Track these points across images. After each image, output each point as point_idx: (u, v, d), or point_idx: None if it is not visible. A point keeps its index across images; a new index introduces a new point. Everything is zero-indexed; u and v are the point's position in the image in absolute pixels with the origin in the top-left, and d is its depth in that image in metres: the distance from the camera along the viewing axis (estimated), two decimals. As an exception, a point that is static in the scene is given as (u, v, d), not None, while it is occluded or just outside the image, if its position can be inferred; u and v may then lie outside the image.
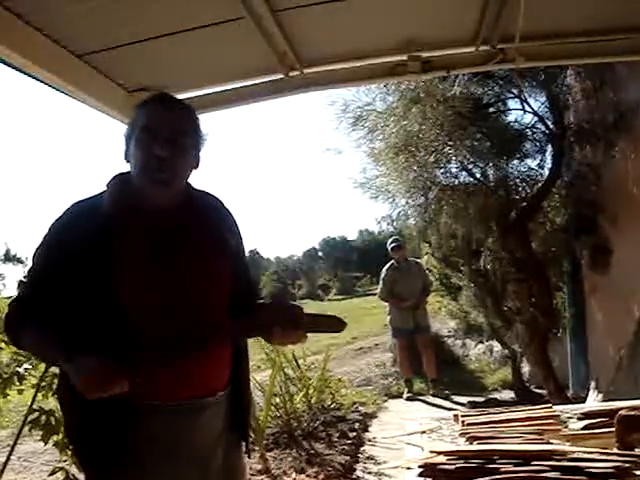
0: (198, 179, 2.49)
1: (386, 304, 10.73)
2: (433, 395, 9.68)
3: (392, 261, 10.54)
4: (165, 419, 2.23)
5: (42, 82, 3.24)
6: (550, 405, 3.00)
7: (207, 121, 3.66)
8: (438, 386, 9.86)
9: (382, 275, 10.55)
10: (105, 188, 2.37)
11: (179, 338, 2.19)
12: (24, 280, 2.33)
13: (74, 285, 2.18)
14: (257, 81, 3.91)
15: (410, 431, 2.96)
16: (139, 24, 3.15)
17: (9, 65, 2.98)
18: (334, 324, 2.46)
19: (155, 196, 2.33)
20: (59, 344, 2.14)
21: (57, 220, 2.32)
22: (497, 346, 10.83)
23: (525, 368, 9.66)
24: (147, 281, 2.23)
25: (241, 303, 2.45)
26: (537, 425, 2.62)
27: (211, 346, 2.30)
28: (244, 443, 2.63)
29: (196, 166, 2.43)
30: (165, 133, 2.26)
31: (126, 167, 2.38)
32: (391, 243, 10.55)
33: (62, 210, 2.34)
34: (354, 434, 7.35)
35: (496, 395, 9.43)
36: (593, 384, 7.52)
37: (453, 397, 9.44)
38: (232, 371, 2.46)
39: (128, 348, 2.13)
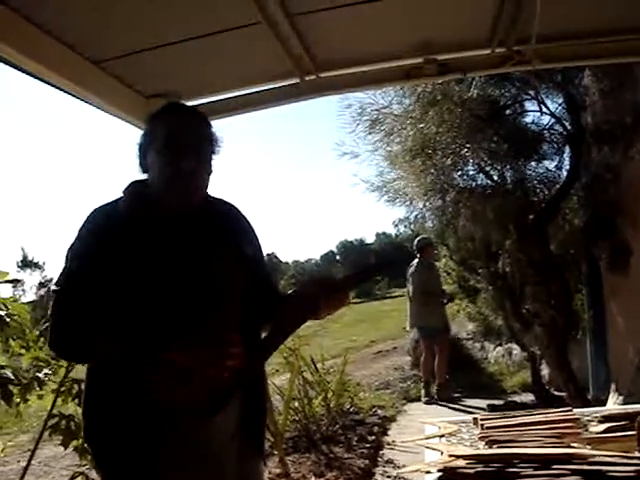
0: (215, 184, 2.50)
1: (405, 305, 10.65)
2: (441, 400, 9.62)
3: (418, 260, 10.34)
4: (178, 420, 2.23)
5: (60, 89, 3.26)
6: (570, 408, 2.98)
7: (223, 125, 3.70)
8: (446, 390, 9.83)
9: (412, 272, 10.33)
10: (121, 194, 2.40)
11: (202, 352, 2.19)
12: (56, 289, 2.30)
13: (104, 291, 2.21)
14: (273, 86, 3.92)
15: (429, 434, 2.95)
16: (155, 31, 3.16)
17: (27, 72, 3.00)
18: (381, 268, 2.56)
19: (176, 206, 2.34)
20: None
21: (81, 228, 2.34)
22: (516, 349, 10.78)
23: (545, 371, 9.61)
24: (162, 288, 2.24)
25: (263, 307, 2.48)
26: (557, 428, 2.59)
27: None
28: (260, 448, 2.63)
29: (212, 172, 2.43)
30: (190, 146, 2.29)
31: (139, 176, 2.41)
32: (421, 241, 10.40)
33: (83, 217, 2.36)
34: (373, 438, 7.34)
35: (515, 398, 9.36)
36: (613, 387, 7.46)
37: (466, 400, 9.42)
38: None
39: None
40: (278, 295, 2.63)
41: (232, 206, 2.61)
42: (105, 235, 2.26)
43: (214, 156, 2.41)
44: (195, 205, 2.38)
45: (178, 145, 2.27)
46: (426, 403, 9.61)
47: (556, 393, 8.90)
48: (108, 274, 2.21)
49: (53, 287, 2.37)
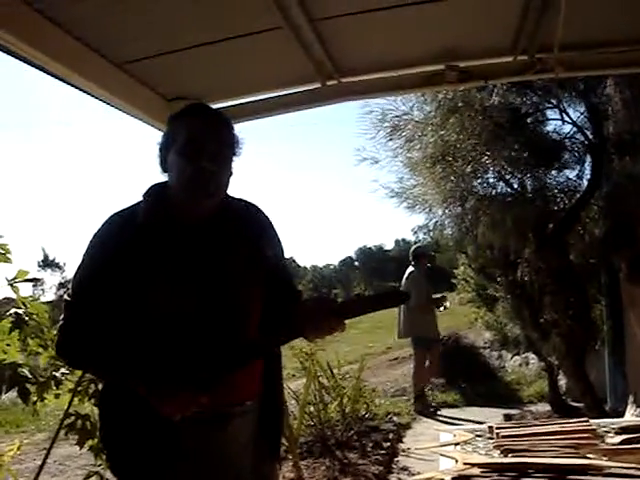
0: (235, 186, 2.50)
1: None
2: (419, 412, 9.48)
3: (413, 268, 10.17)
4: (193, 428, 2.23)
5: (83, 91, 3.29)
6: (586, 419, 2.97)
7: (244, 127, 3.71)
8: (424, 402, 9.76)
9: (406, 281, 10.17)
10: (141, 198, 2.40)
11: (213, 356, 2.22)
12: (68, 300, 2.33)
13: (116, 297, 2.24)
14: (294, 90, 3.92)
15: (444, 442, 2.94)
16: (178, 33, 3.17)
17: (51, 74, 3.03)
18: (388, 300, 2.41)
19: (197, 208, 2.35)
20: (126, 368, 2.22)
21: (95, 234, 2.36)
22: (534, 358, 10.73)
23: (562, 381, 9.56)
24: (180, 291, 2.25)
25: (283, 310, 2.44)
26: (573, 439, 2.58)
27: (241, 368, 2.31)
28: (276, 453, 2.64)
29: (232, 174, 2.42)
30: (211, 146, 2.28)
31: (162, 177, 2.40)
32: (417, 250, 10.39)
33: (100, 222, 2.37)
34: (388, 444, 7.32)
35: (532, 408, 9.32)
36: (631, 398, 7.41)
37: (468, 409, 9.37)
38: (264, 380, 2.47)
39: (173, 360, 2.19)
40: (298, 298, 2.60)
41: (253, 206, 2.59)
42: (120, 243, 2.27)
43: (235, 158, 2.40)
44: (215, 206, 2.38)
45: (199, 145, 2.26)
46: (434, 413, 9.51)
47: (573, 404, 8.86)
48: (119, 283, 2.23)
49: (66, 291, 2.39)
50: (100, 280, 2.27)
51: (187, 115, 2.41)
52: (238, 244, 2.42)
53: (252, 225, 2.53)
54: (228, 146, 2.37)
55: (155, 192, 2.40)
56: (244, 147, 2.44)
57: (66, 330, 2.32)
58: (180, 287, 2.26)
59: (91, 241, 2.35)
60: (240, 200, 2.56)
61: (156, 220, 2.32)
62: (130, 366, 2.21)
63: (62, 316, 2.33)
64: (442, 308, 10.18)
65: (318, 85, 3.79)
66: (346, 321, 2.26)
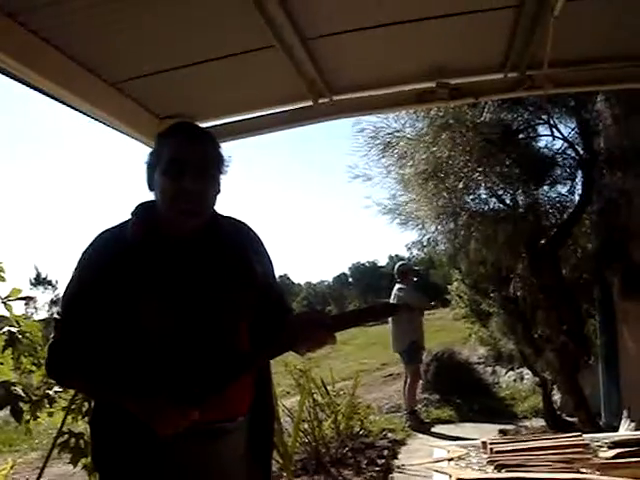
0: (225, 205, 2.50)
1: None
2: (413, 428, 9.41)
3: (399, 284, 10.28)
4: (185, 444, 2.22)
5: (76, 109, 3.31)
6: (580, 433, 2.97)
7: (234, 146, 3.72)
8: (417, 418, 9.75)
9: (394, 297, 10.20)
10: (130, 217, 2.40)
11: (202, 372, 2.21)
12: (58, 318, 2.34)
13: (104, 315, 2.23)
14: (286, 108, 3.94)
15: (438, 458, 2.94)
16: (170, 52, 3.20)
17: (43, 92, 3.04)
18: (378, 312, 2.45)
19: (182, 226, 2.34)
20: (116, 385, 2.22)
21: (84, 252, 2.36)
22: (528, 373, 10.72)
23: (556, 396, 9.55)
24: (168, 308, 2.25)
25: (273, 325, 2.41)
26: (566, 453, 2.59)
27: (232, 382, 2.29)
28: (268, 471, 2.63)
29: (219, 192, 2.42)
30: (194, 165, 2.27)
31: (149, 195, 2.40)
32: (402, 267, 10.57)
33: (89, 240, 2.38)
34: (382, 461, 7.32)
35: (527, 423, 9.30)
36: (625, 413, 7.40)
37: (463, 424, 9.37)
38: (255, 396, 2.46)
39: (166, 376, 2.19)
40: (288, 314, 2.58)
41: (241, 223, 2.59)
42: (108, 260, 2.27)
43: (221, 175, 2.40)
44: (203, 223, 2.37)
45: (182, 164, 2.26)
46: (419, 430, 9.46)
47: (568, 419, 8.83)
48: (108, 300, 2.22)
49: (55, 317, 2.39)
50: (89, 298, 2.27)
51: (171, 134, 2.41)
52: (226, 261, 2.41)
53: (241, 242, 2.52)
54: (213, 164, 2.36)
55: (142, 210, 2.40)
56: (231, 164, 2.44)
57: (55, 349, 2.32)
58: (168, 303, 2.25)
59: (80, 259, 2.36)
60: (228, 217, 2.55)
61: (144, 238, 2.32)
62: (120, 384, 2.21)
63: (52, 335, 2.34)
64: (428, 308, 10.20)
65: (310, 103, 3.81)
66: (337, 335, 2.27)
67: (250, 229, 2.60)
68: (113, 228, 2.41)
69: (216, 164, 2.38)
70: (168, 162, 2.28)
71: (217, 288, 2.35)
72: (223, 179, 2.42)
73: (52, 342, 2.33)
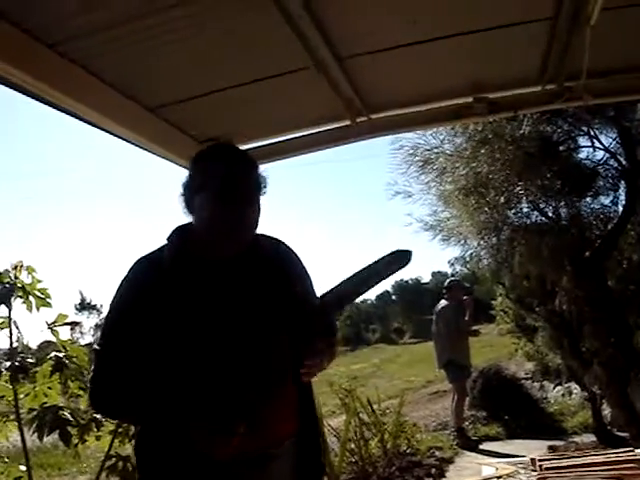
0: (265, 222, 2.46)
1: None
2: (461, 446, 9.23)
3: (445, 299, 10.14)
4: (234, 470, 2.20)
5: (116, 135, 3.35)
6: (632, 449, 2.92)
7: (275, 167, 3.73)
8: (466, 435, 9.60)
9: (439, 312, 10.09)
10: (166, 242, 2.40)
11: (244, 390, 2.17)
12: (97, 349, 2.31)
13: (144, 342, 2.21)
14: (325, 128, 3.95)
15: (487, 476, 2.91)
16: (208, 76, 3.23)
17: (85, 121, 3.10)
18: (386, 266, 2.30)
19: (225, 251, 2.33)
20: (162, 414, 2.19)
21: (122, 279, 2.35)
22: (576, 388, 10.56)
23: (606, 410, 9.38)
24: (208, 332, 2.22)
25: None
26: (618, 469, 2.55)
27: (274, 392, 2.24)
28: None
29: (260, 214, 2.39)
30: (238, 190, 2.26)
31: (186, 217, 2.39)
32: (451, 282, 10.40)
33: (127, 268, 2.37)
34: (430, 479, 7.24)
35: (577, 439, 9.13)
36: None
37: (511, 441, 9.23)
38: (299, 418, 2.42)
39: (207, 398, 2.15)
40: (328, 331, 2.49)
41: (280, 243, 2.57)
42: (146, 287, 2.27)
43: (261, 197, 2.37)
44: (244, 247, 2.35)
45: (227, 188, 2.24)
46: (477, 446, 9.35)
47: (619, 434, 8.67)
48: (147, 327, 2.21)
49: (95, 347, 2.37)
50: (126, 327, 2.25)
51: (213, 157, 2.39)
52: (266, 282, 2.38)
53: (280, 262, 2.48)
54: (255, 187, 2.34)
55: (177, 234, 2.40)
56: (269, 185, 2.41)
57: (97, 381, 2.30)
58: (209, 327, 2.22)
59: (119, 287, 2.34)
60: (268, 237, 2.54)
61: (181, 262, 2.30)
62: (165, 412, 2.19)
63: (92, 366, 2.34)
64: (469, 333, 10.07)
65: (348, 122, 3.82)
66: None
67: (289, 248, 2.58)
68: (150, 254, 2.40)
69: (258, 187, 2.35)
70: (212, 186, 2.26)
71: (258, 309, 2.31)
72: (262, 200, 2.39)
73: (93, 376, 2.32)
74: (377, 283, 2.30)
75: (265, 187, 2.39)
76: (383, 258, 2.31)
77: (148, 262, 2.38)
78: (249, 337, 2.26)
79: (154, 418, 2.24)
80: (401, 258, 2.33)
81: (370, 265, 2.29)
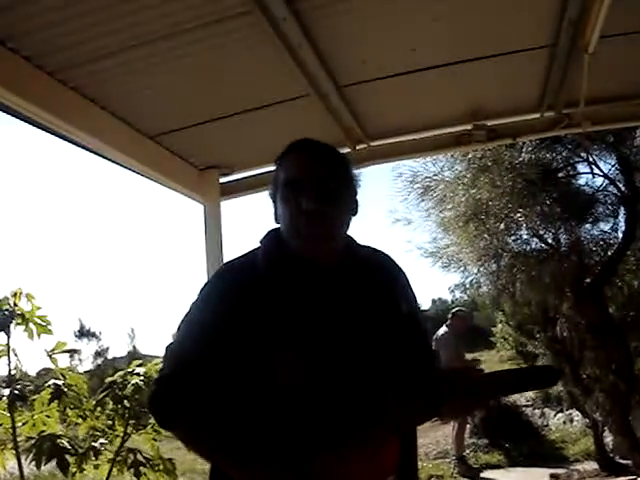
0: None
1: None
2: (461, 475, 9.24)
3: (447, 328, 9.91)
4: None
5: (116, 163, 3.37)
6: (635, 477, 2.90)
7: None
8: (466, 464, 9.54)
9: (439, 340, 9.72)
10: (258, 245, 2.09)
11: (347, 426, 1.86)
12: (171, 348, 2.01)
13: (225, 361, 1.91)
14: (325, 156, 3.95)
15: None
16: (208, 104, 3.25)
17: (86, 148, 3.11)
18: (538, 379, 2.06)
19: (312, 254, 2.00)
20: (226, 446, 1.90)
21: (210, 286, 2.08)
22: (578, 415, 10.50)
23: (608, 438, 9.32)
24: (310, 357, 1.89)
25: (415, 374, 2.02)
26: (621, 497, 2.52)
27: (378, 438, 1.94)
28: None
29: (355, 213, 2.09)
30: (312, 183, 1.94)
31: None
32: (456, 312, 10.23)
33: (212, 275, 2.12)
34: (432, 509, 7.18)
35: (579, 467, 9.06)
36: (681, 454, 7.22)
37: (513, 469, 9.16)
38: (399, 462, 2.08)
39: (296, 440, 1.84)
40: (433, 359, 2.26)
41: (384, 255, 2.22)
42: (240, 295, 1.94)
43: (353, 192, 2.08)
44: (334, 252, 2.04)
45: (298, 184, 1.95)
46: (468, 476, 9.29)
47: (621, 461, 8.60)
48: (233, 340, 1.89)
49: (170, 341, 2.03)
50: (209, 330, 1.95)
51: (285, 154, 2.10)
52: (370, 296, 2.03)
53: (385, 275, 2.14)
54: (336, 181, 2.00)
55: (273, 237, 2.08)
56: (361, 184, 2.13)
57: (165, 383, 1.98)
58: (311, 352, 1.89)
59: (205, 293, 2.05)
60: (366, 246, 2.19)
61: (278, 267, 2.00)
62: (235, 446, 1.89)
63: (161, 367, 2.08)
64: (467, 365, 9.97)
65: (348, 150, 3.84)
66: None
67: (392, 260, 2.22)
68: (240, 258, 2.09)
69: (341, 181, 2.03)
70: (283, 185, 2.00)
71: (365, 332, 1.97)
72: (357, 199, 2.11)
73: (161, 375, 2.03)
74: (515, 392, 2.08)
75: (356, 183, 2.11)
76: (531, 370, 2.07)
77: (240, 265, 2.07)
78: (354, 365, 1.92)
79: (217, 448, 1.93)
80: (550, 378, 2.11)
81: (516, 370, 2.13)
